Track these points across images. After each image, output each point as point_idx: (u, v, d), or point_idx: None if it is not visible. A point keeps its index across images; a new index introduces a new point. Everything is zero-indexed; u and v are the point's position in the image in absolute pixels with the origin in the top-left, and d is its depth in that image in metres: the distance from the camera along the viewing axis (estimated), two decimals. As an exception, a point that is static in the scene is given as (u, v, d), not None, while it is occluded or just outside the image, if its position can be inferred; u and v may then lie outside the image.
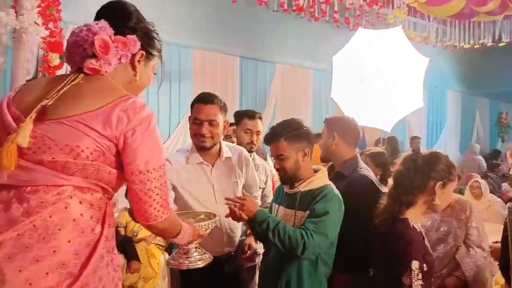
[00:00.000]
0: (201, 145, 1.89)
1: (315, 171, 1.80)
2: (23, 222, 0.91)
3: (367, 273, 1.77)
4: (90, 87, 1.03)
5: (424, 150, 6.93)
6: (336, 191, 1.72)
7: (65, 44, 1.12)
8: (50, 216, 0.92)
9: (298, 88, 6.21)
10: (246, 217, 1.65)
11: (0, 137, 0.98)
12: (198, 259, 1.37)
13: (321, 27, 6.15)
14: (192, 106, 1.97)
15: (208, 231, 1.35)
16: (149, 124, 1.03)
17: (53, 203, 0.93)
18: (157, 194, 1.06)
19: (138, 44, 1.10)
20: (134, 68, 1.13)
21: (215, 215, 1.47)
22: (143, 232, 3.30)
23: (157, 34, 1.19)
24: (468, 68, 8.39)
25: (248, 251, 1.99)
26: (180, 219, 1.25)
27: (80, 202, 0.98)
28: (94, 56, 1.05)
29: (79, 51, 1.06)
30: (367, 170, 2.03)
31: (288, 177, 1.77)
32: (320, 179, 1.76)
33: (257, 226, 1.64)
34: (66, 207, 0.95)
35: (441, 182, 1.46)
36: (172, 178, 1.82)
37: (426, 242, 1.49)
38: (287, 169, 1.74)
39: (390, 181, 1.55)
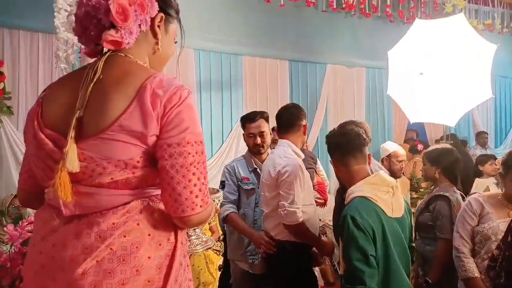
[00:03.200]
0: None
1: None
2: (99, 248, 0.85)
3: None
4: (113, 79, 0.90)
5: (491, 146, 6.45)
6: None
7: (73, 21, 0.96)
8: (125, 236, 0.87)
9: (350, 87, 6.02)
10: None
11: (48, 165, 0.90)
12: (197, 243, 1.24)
13: (373, 23, 5.93)
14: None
15: (217, 207, 1.26)
16: (180, 97, 0.89)
17: (124, 223, 0.87)
18: (193, 174, 0.89)
19: (156, 5, 0.95)
20: (155, 35, 0.98)
21: (218, 190, 1.40)
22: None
23: None
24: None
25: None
26: None
27: (152, 213, 0.92)
28: (112, 26, 0.90)
29: (93, 23, 0.91)
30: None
31: None
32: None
33: None
34: (138, 224, 0.89)
35: None
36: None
37: None
38: None
39: None
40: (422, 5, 6.26)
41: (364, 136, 1.69)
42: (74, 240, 0.86)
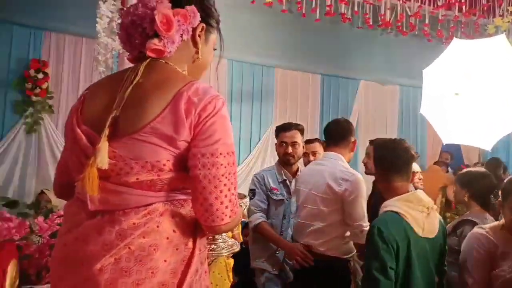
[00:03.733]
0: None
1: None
2: (118, 246, 0.87)
3: None
4: (152, 84, 0.93)
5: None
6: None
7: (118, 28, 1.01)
8: (144, 237, 0.89)
9: (383, 105, 5.94)
10: None
11: (81, 159, 0.94)
12: (223, 247, 1.24)
13: (409, 41, 5.84)
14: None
15: (244, 213, 1.25)
16: (214, 107, 0.92)
17: (144, 224, 0.89)
18: (224, 185, 0.92)
19: (198, 16, 0.98)
20: (195, 44, 1.02)
21: (245, 196, 1.38)
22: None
23: (214, 2, 1.06)
24: None
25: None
26: None
27: (172, 217, 0.93)
28: (155, 35, 0.94)
29: (138, 31, 0.95)
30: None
31: None
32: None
33: None
34: (158, 226, 0.90)
35: None
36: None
37: None
38: None
39: None
40: (463, 25, 6.11)
41: (413, 152, 1.74)
42: (96, 236, 0.89)
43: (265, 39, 5.14)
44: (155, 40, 0.94)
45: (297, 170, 2.71)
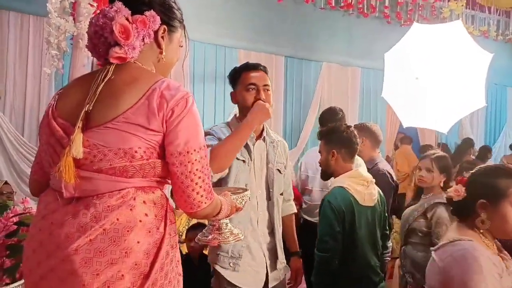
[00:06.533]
0: None
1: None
2: (93, 227, 0.93)
3: None
4: (123, 81, 1.00)
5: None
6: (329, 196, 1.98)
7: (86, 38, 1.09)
8: (118, 219, 0.94)
9: (345, 87, 6.01)
10: None
11: (56, 150, 1.00)
12: (230, 234, 1.32)
13: (370, 23, 5.91)
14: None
15: (242, 205, 1.28)
16: (186, 104, 0.99)
17: (118, 207, 0.95)
18: (199, 177, 1.01)
19: (158, 19, 1.05)
20: (159, 45, 1.09)
21: (246, 189, 1.39)
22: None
23: (174, 2, 1.12)
24: (533, 64, 7.71)
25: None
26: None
27: (144, 202, 0.99)
28: (117, 43, 1.01)
29: (101, 41, 1.03)
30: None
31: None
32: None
33: None
34: (131, 209, 0.96)
35: None
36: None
37: None
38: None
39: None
40: (420, 8, 6.26)
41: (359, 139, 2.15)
42: (71, 219, 0.94)
43: (227, 20, 5.00)
44: (117, 48, 1.01)
45: (263, 130, 1.91)
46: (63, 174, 0.93)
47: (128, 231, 0.94)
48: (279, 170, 1.91)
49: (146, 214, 0.98)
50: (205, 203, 1.03)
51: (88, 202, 0.95)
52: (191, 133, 1.00)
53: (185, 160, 0.99)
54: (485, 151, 5.88)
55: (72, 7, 2.73)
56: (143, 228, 0.97)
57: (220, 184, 1.75)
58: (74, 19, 2.72)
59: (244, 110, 1.76)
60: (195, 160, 1.00)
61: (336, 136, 2.03)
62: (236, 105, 1.88)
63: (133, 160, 0.96)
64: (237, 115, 1.88)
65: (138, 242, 0.95)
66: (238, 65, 2.01)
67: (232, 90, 1.86)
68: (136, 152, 0.96)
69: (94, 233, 0.92)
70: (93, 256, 0.92)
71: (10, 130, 4.00)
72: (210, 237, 1.31)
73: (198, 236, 1.35)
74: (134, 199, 0.97)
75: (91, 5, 2.62)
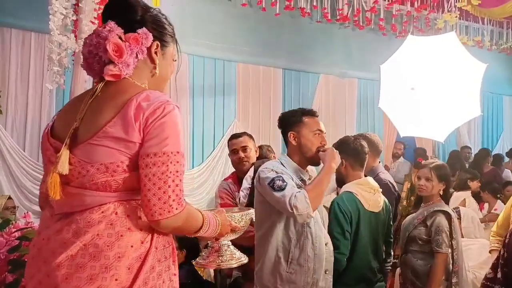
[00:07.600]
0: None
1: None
2: (74, 243, 0.95)
3: None
4: (107, 96, 1.02)
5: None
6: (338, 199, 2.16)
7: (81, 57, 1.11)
8: (98, 234, 0.95)
9: (342, 98, 6.09)
10: None
11: (49, 168, 1.02)
12: (231, 258, 1.26)
13: (366, 35, 6.01)
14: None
15: (242, 225, 1.22)
16: (163, 110, 0.98)
17: (98, 222, 0.96)
18: (172, 181, 0.97)
19: (150, 36, 1.07)
20: (152, 60, 1.10)
21: (250, 208, 1.39)
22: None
23: (165, 18, 1.14)
24: (527, 73, 7.81)
25: None
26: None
27: (127, 216, 0.99)
28: (111, 61, 1.03)
29: (96, 60, 1.05)
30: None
31: None
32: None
33: None
34: (111, 224, 0.97)
35: None
36: None
37: None
38: None
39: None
40: (415, 20, 6.36)
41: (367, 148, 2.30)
42: (56, 235, 0.98)
43: (226, 34, 5.09)
44: (111, 66, 1.03)
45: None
46: (49, 191, 0.96)
47: (108, 246, 0.95)
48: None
49: (129, 229, 0.98)
50: (176, 208, 0.98)
51: (72, 218, 0.97)
52: (168, 135, 0.98)
53: (159, 161, 0.96)
54: (499, 158, 6.16)
55: (74, 25, 2.80)
56: (123, 243, 0.96)
57: None
58: (75, 36, 2.80)
59: (306, 152, 1.89)
60: (170, 162, 0.97)
61: (345, 147, 2.19)
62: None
63: (114, 174, 0.97)
64: (287, 152, 1.97)
65: (119, 257, 0.95)
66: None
67: (290, 131, 1.91)
68: (118, 166, 0.97)
69: (75, 249, 0.94)
70: (74, 272, 0.93)
71: (11, 145, 4.04)
72: (208, 260, 1.27)
73: (197, 259, 1.31)
74: (116, 213, 0.98)
75: (93, 23, 2.69)
